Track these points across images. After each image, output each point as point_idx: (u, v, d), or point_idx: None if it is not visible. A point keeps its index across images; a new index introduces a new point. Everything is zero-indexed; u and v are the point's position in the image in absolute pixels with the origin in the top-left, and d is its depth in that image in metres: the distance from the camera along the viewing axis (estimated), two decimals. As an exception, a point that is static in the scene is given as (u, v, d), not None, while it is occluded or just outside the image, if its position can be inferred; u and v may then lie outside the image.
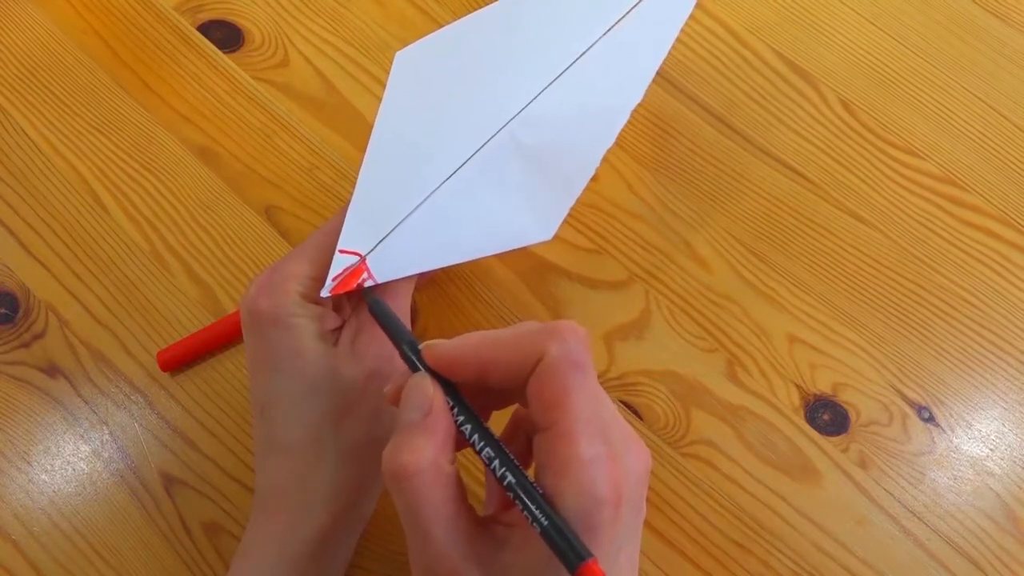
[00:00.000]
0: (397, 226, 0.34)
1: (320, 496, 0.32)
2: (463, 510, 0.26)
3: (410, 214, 0.34)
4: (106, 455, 0.39)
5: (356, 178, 0.44)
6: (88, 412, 0.39)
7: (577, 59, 0.37)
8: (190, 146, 0.45)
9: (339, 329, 0.33)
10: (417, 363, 0.28)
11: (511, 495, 0.25)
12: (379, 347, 0.33)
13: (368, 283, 0.33)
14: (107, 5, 0.48)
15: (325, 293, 0.32)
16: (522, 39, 0.37)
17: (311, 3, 0.49)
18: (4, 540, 0.37)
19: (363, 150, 0.44)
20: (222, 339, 0.40)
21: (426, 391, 0.26)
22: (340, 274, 0.32)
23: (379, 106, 0.36)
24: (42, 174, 0.44)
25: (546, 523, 0.23)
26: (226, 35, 0.48)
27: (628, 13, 0.38)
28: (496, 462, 0.25)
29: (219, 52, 0.47)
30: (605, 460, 0.24)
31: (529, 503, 0.24)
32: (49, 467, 0.38)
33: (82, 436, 0.39)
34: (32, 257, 0.42)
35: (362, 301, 0.34)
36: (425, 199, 0.34)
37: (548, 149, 0.36)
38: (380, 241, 0.33)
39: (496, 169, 0.35)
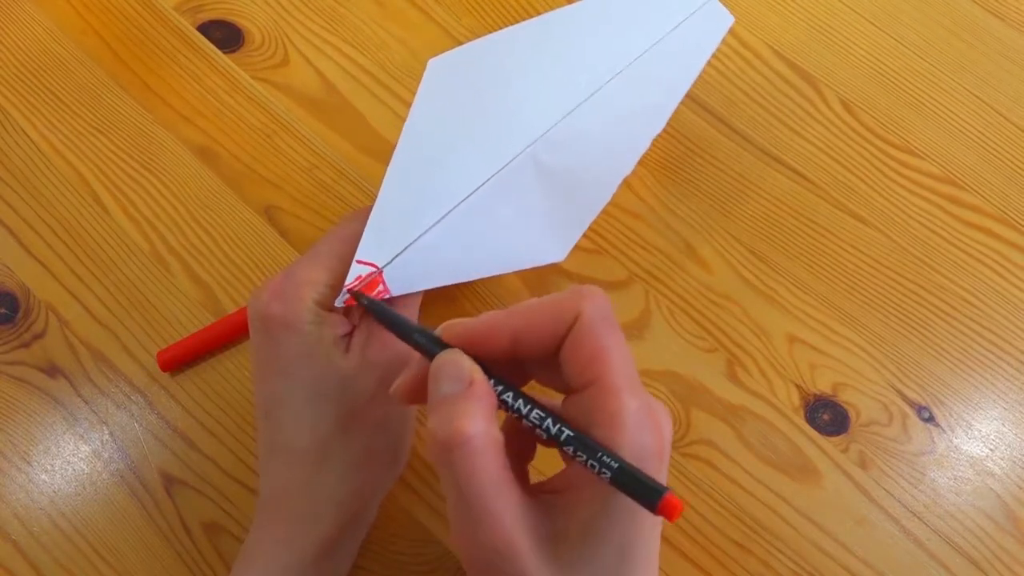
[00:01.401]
0: (415, 240, 0.34)
1: (326, 503, 0.32)
2: (513, 479, 0.25)
3: (429, 229, 0.34)
4: (106, 455, 0.39)
5: (356, 178, 0.44)
6: (88, 412, 0.39)
7: (605, 84, 0.37)
8: (190, 146, 0.45)
9: (349, 335, 0.33)
10: (436, 348, 0.27)
11: (571, 449, 0.24)
12: (391, 354, 0.33)
13: (384, 296, 0.33)
14: (107, 5, 0.48)
15: (339, 303, 0.32)
16: (552, 59, 0.37)
17: (311, 3, 0.49)
18: (4, 540, 0.37)
19: (363, 150, 0.45)
20: (222, 339, 0.40)
21: (462, 364, 0.26)
22: (355, 284, 0.32)
23: (408, 113, 0.36)
24: (42, 174, 0.44)
25: (617, 466, 0.23)
26: (226, 35, 0.48)
27: (658, 42, 0.38)
28: (549, 421, 0.25)
29: (219, 52, 0.47)
30: (647, 413, 0.25)
31: (595, 452, 0.24)
32: (49, 467, 0.38)
33: (82, 436, 0.39)
34: (32, 257, 0.42)
35: None
36: (445, 215, 0.34)
37: (569, 172, 0.36)
38: (398, 254, 0.33)
39: (517, 189, 0.35)
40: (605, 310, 0.26)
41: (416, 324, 0.29)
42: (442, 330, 0.27)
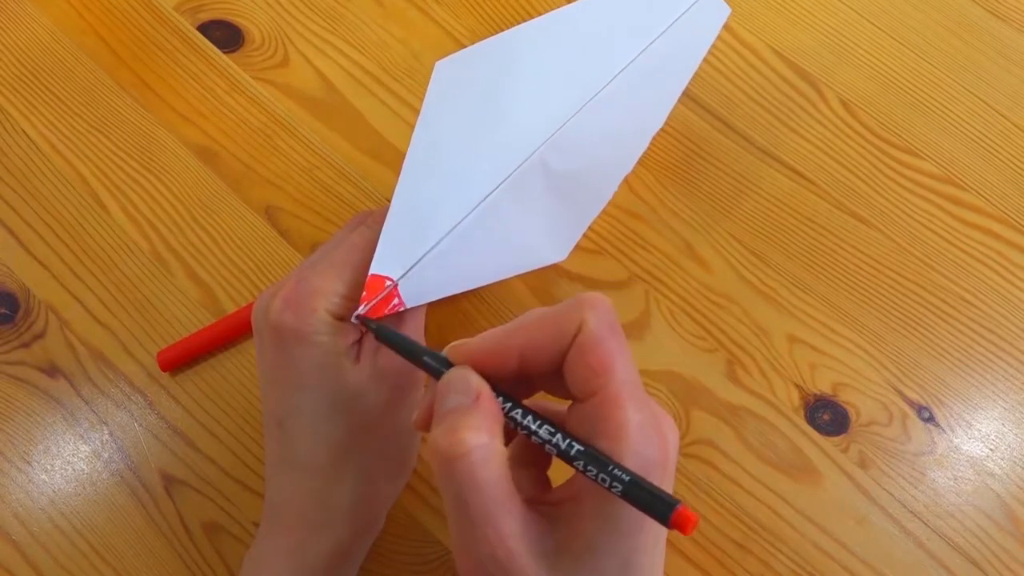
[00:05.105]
0: (429, 251, 0.34)
1: (339, 514, 0.32)
2: (515, 492, 0.25)
3: (442, 239, 0.34)
4: (106, 455, 0.39)
5: (356, 178, 0.44)
6: (88, 412, 0.39)
7: (609, 83, 0.37)
8: (190, 146, 0.45)
9: (359, 342, 0.33)
10: (445, 369, 0.27)
11: (581, 463, 0.24)
12: (401, 362, 0.33)
13: (399, 309, 0.33)
14: (107, 5, 0.48)
15: (355, 319, 0.32)
16: (555, 61, 0.37)
17: (311, 3, 0.49)
18: (4, 540, 0.37)
19: (363, 150, 0.45)
20: (222, 339, 0.40)
21: (470, 380, 0.26)
22: (371, 299, 0.32)
23: (414, 116, 0.36)
24: (42, 174, 0.44)
25: (628, 480, 0.23)
26: (226, 35, 0.48)
27: (659, 38, 0.38)
28: (558, 437, 0.25)
29: (219, 52, 0.47)
30: (651, 424, 0.24)
31: (605, 466, 0.24)
32: (49, 467, 0.38)
33: (82, 436, 0.39)
34: (32, 257, 0.42)
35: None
36: (457, 224, 0.34)
37: (574, 174, 0.37)
38: (412, 267, 0.33)
39: (525, 193, 0.35)
40: (608, 319, 0.25)
41: (424, 347, 0.29)
42: (448, 351, 0.27)
